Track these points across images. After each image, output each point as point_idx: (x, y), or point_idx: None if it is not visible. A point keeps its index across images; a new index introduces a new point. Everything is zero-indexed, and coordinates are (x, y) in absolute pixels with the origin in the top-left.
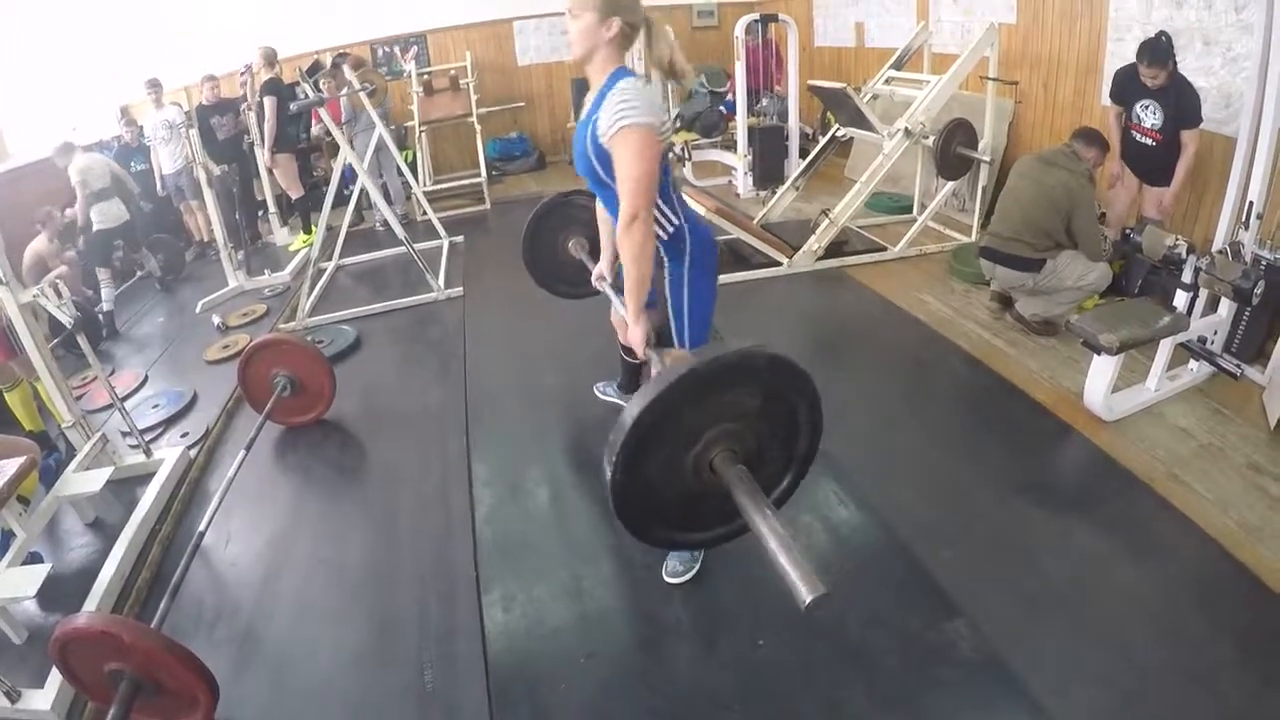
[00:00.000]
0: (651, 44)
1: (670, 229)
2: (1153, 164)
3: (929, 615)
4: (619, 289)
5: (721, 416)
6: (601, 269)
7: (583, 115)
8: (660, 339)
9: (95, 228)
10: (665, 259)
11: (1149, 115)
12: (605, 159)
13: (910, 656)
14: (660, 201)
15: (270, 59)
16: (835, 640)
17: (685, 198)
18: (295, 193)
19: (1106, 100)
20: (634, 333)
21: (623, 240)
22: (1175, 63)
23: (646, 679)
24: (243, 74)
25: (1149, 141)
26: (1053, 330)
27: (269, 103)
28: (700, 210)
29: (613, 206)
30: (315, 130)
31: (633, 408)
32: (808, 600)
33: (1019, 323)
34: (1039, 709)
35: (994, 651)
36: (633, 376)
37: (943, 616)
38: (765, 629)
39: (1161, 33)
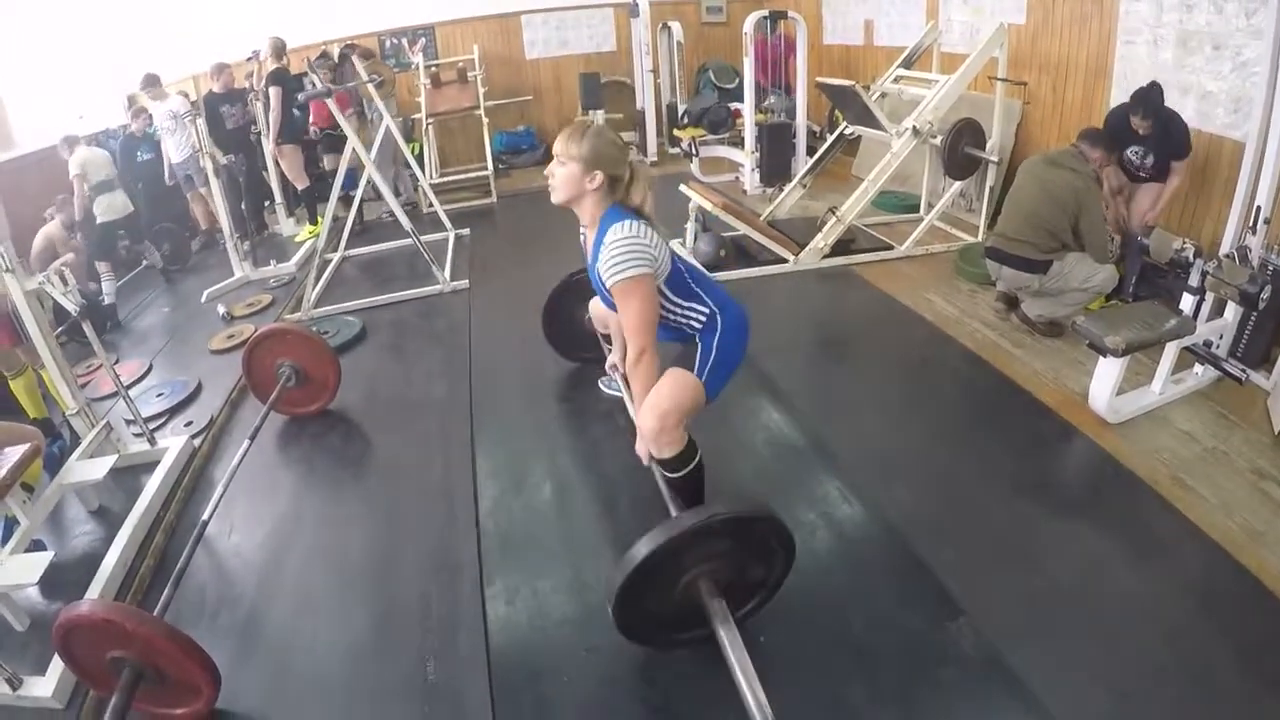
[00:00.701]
0: (629, 190)
1: (703, 318)
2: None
3: (931, 614)
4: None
5: (705, 558)
6: (614, 359)
7: (588, 254)
8: (682, 358)
9: (99, 220)
10: (698, 335)
11: (1139, 158)
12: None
13: (912, 655)
14: (683, 300)
15: (279, 50)
16: (837, 637)
17: (703, 275)
18: (300, 183)
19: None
20: (642, 448)
21: (633, 373)
22: (1163, 110)
23: (647, 672)
24: (249, 60)
25: (1143, 175)
26: (1059, 331)
27: (274, 92)
28: (708, 206)
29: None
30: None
31: (628, 561)
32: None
33: (1025, 324)
34: (1040, 708)
35: (995, 651)
36: None
37: (945, 615)
38: (767, 625)
39: (1153, 83)
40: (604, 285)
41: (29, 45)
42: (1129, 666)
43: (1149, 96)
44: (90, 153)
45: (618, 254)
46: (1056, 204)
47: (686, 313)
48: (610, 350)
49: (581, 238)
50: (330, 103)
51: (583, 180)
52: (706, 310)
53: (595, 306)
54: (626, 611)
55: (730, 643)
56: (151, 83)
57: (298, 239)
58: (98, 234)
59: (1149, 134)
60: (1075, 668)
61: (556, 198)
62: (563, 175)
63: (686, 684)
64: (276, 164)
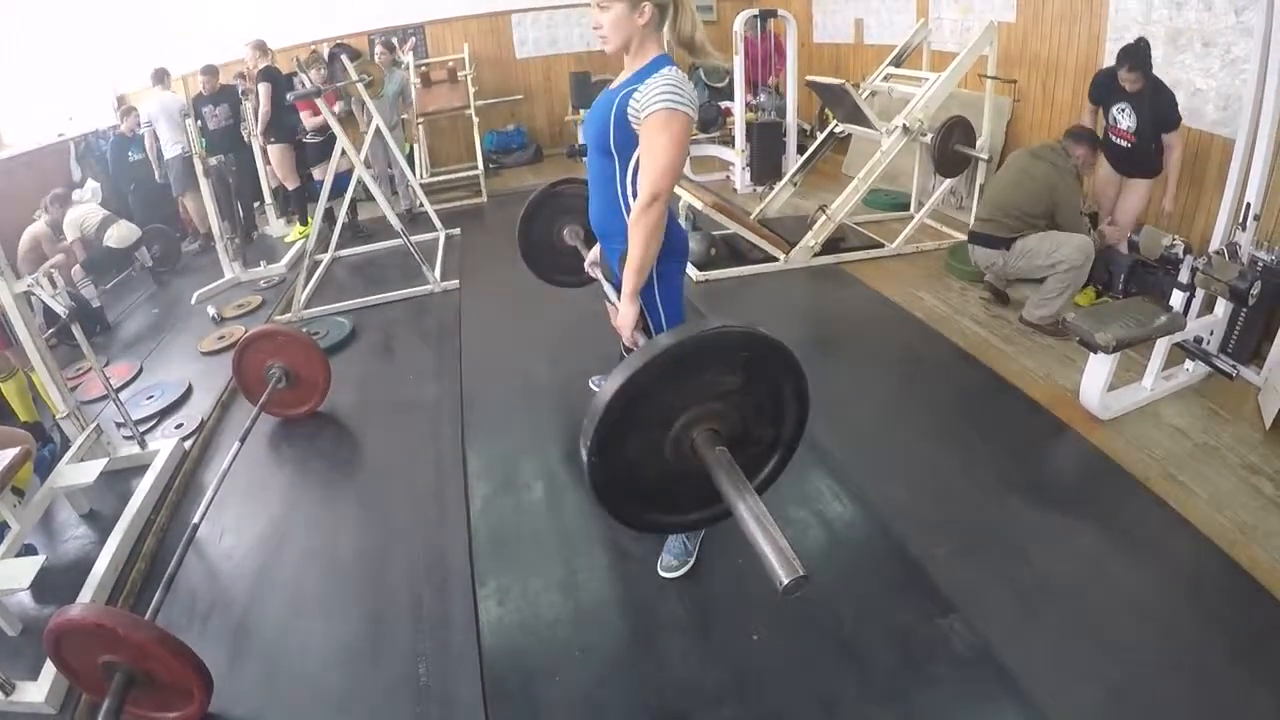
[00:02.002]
0: (677, 21)
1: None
2: (1129, 163)
3: (923, 611)
4: (609, 277)
5: (701, 396)
6: (594, 256)
7: (614, 84)
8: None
9: (110, 247)
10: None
11: (1124, 118)
12: (624, 131)
13: (904, 652)
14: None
15: (263, 48)
16: (829, 635)
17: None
18: (291, 183)
19: (1089, 105)
20: (625, 314)
21: (638, 220)
22: (1151, 68)
23: (641, 672)
24: (238, 76)
25: (1124, 143)
26: (1065, 331)
27: (263, 89)
28: (698, 205)
29: (607, 177)
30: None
31: (606, 390)
32: (785, 581)
33: (1029, 327)
34: (1032, 705)
35: (988, 648)
36: None
37: (937, 612)
38: (760, 623)
39: (1141, 39)
40: (619, 117)
41: (17, 46)
42: (1120, 662)
43: (1136, 50)
44: (80, 209)
45: (667, 86)
46: (1030, 194)
47: (628, 194)
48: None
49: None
50: (320, 102)
51: (633, 16)
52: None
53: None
54: (607, 467)
55: (736, 492)
56: (160, 78)
57: (288, 240)
58: (106, 256)
59: (1137, 91)
60: (1067, 664)
61: (610, 45)
62: (611, 18)
63: (682, 684)
64: (268, 163)
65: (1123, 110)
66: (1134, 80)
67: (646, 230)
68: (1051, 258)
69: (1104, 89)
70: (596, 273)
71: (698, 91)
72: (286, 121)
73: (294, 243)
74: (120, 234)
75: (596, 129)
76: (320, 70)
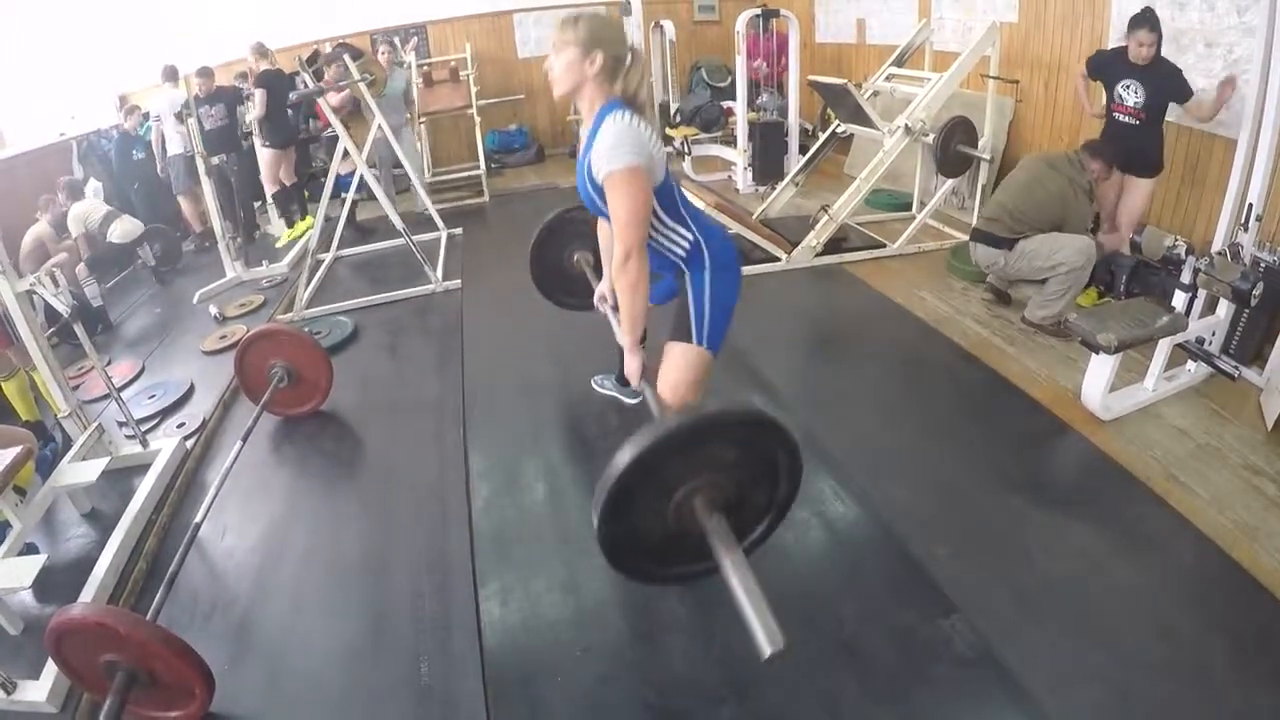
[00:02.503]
0: (627, 75)
1: (687, 245)
2: (1134, 145)
3: (924, 611)
4: (618, 312)
5: (703, 468)
6: (603, 289)
7: (580, 149)
8: (676, 329)
9: (112, 240)
10: (687, 271)
11: (1131, 94)
12: (602, 194)
13: (905, 652)
14: (671, 221)
15: (262, 50)
16: (831, 635)
17: (690, 197)
18: (271, 187)
19: (1081, 69)
20: (630, 364)
21: (618, 277)
22: (1160, 41)
23: (642, 672)
24: (239, 77)
25: (1132, 120)
26: (1068, 332)
27: (259, 95)
28: (700, 205)
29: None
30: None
31: (616, 464)
32: (768, 653)
33: (1032, 327)
34: (1034, 705)
35: (989, 648)
36: None
37: (938, 613)
38: None
39: (1146, 7)
40: (593, 182)
41: (19, 46)
42: (1122, 663)
43: (1150, 14)
44: (83, 205)
45: (611, 143)
46: (1040, 204)
47: (671, 235)
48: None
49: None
50: (323, 102)
51: (583, 64)
52: (690, 237)
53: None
54: (613, 530)
55: (732, 563)
56: (171, 74)
57: (278, 243)
58: (110, 253)
59: (1146, 64)
60: (1068, 664)
61: (558, 89)
62: (563, 63)
63: (683, 683)
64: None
65: (1129, 87)
66: (1150, 44)
67: (628, 285)
68: (1053, 259)
69: (1107, 67)
70: (604, 308)
71: (697, 92)
72: (282, 127)
73: (284, 245)
74: (124, 229)
75: (586, 196)
76: (339, 66)
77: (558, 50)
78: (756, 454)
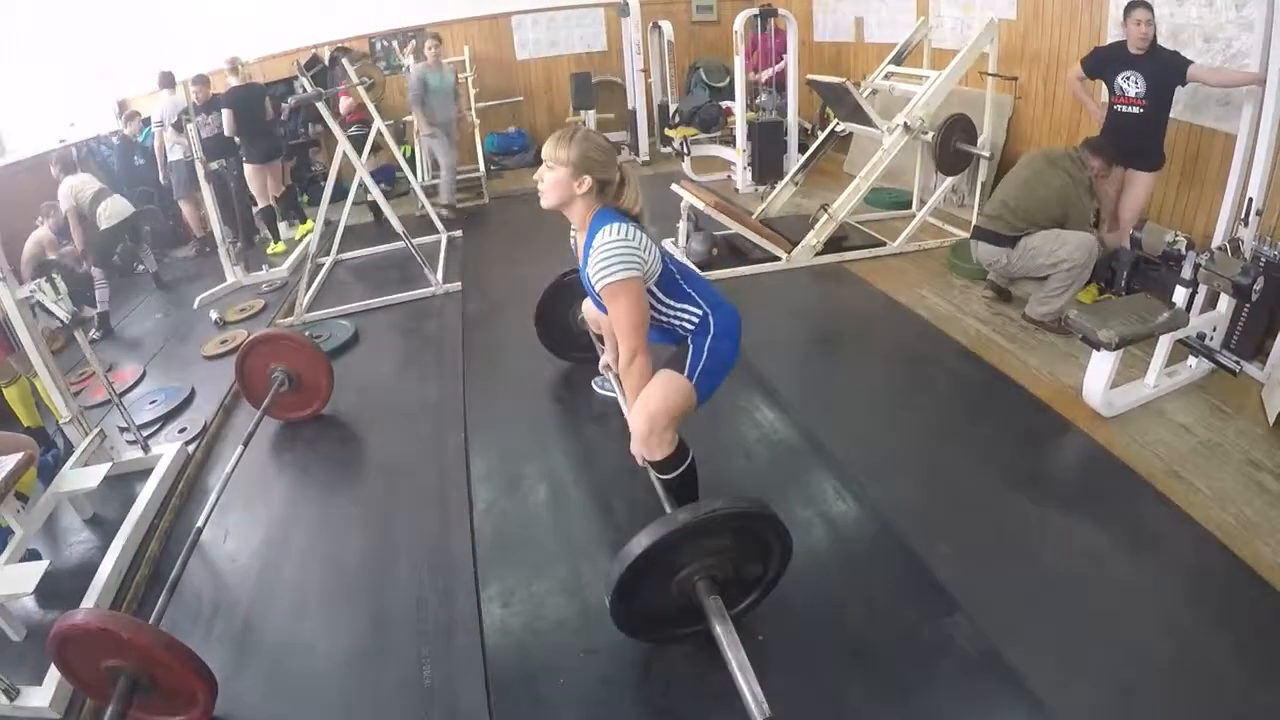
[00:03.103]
0: (622, 194)
1: (696, 320)
2: (1136, 136)
3: (927, 609)
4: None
5: (703, 553)
6: (608, 360)
7: (579, 258)
8: (672, 361)
9: (102, 227)
10: (691, 338)
11: (1132, 85)
12: (600, 298)
13: (908, 650)
14: (675, 301)
15: (234, 66)
16: (833, 634)
17: (695, 275)
18: (261, 201)
19: (1076, 70)
20: (636, 447)
21: (624, 374)
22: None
23: (645, 673)
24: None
25: (1133, 110)
26: (1068, 329)
27: (225, 115)
28: (700, 205)
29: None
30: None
31: (628, 552)
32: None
33: (1034, 325)
34: (1037, 703)
35: (992, 646)
36: None
37: (941, 611)
38: (764, 623)
39: None
40: (594, 288)
41: (18, 52)
42: (1126, 659)
43: None
44: (76, 178)
45: (606, 257)
46: (1041, 201)
47: (679, 314)
48: (604, 350)
49: (572, 240)
50: (321, 106)
51: (571, 185)
52: (699, 311)
53: (588, 308)
54: (624, 606)
55: (727, 640)
56: (168, 81)
57: (269, 250)
58: (101, 240)
59: (1148, 41)
60: (1071, 661)
61: (546, 202)
62: (551, 180)
63: (685, 683)
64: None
65: (1128, 78)
66: (1148, 20)
67: (634, 385)
68: (1054, 256)
69: (1105, 62)
70: (610, 376)
71: (696, 92)
72: (259, 141)
73: (274, 254)
74: (113, 209)
75: (594, 300)
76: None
77: (549, 166)
78: (752, 538)
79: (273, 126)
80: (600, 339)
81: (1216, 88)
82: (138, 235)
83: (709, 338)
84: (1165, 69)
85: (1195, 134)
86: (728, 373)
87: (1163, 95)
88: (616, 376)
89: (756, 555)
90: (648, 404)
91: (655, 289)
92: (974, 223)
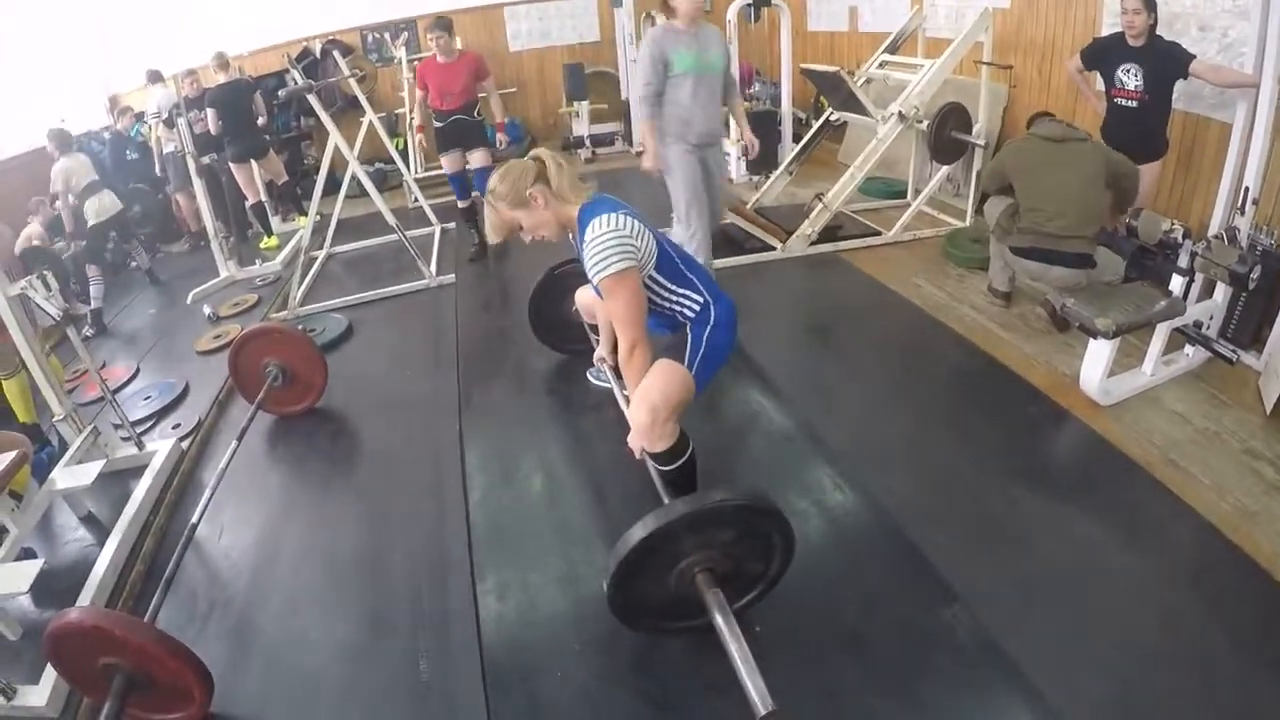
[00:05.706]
0: (550, 178)
1: (696, 309)
2: (1135, 128)
3: (925, 601)
4: (619, 374)
5: (704, 545)
6: (603, 353)
7: (578, 253)
8: (670, 350)
9: (90, 223)
10: (690, 326)
11: (1131, 78)
12: (599, 289)
13: (907, 642)
14: (677, 287)
15: (222, 62)
16: (832, 626)
17: (695, 263)
18: (252, 198)
19: (1075, 62)
20: (634, 441)
21: (625, 366)
22: (1156, 19)
23: (642, 666)
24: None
25: (1131, 104)
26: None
27: (210, 114)
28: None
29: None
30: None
31: (627, 540)
32: (762, 713)
33: (1053, 318)
34: (1036, 694)
35: (990, 637)
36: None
37: (939, 602)
38: (762, 615)
39: None
40: (591, 280)
41: (7, 49)
42: (1124, 650)
43: None
44: (72, 160)
45: (599, 250)
46: (1093, 183)
47: (680, 300)
48: (599, 342)
49: (570, 236)
50: (311, 98)
51: (535, 210)
52: (701, 299)
53: (582, 296)
54: (623, 595)
55: (729, 634)
56: (156, 78)
57: (262, 245)
58: (90, 237)
59: (1140, 31)
60: (1070, 652)
61: (547, 236)
62: (529, 224)
63: (682, 676)
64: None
65: (1128, 71)
66: (1138, 10)
67: (636, 375)
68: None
69: (1103, 54)
70: (605, 369)
71: None
72: (243, 138)
73: (267, 249)
74: (100, 205)
75: (596, 288)
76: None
77: (512, 214)
78: (754, 532)
79: (256, 124)
80: (594, 329)
81: (1218, 86)
82: (127, 232)
83: (709, 327)
84: (1165, 61)
85: (1191, 122)
86: (724, 363)
87: (1163, 88)
88: (613, 368)
89: (758, 551)
90: (649, 395)
91: (657, 274)
92: (1025, 244)
